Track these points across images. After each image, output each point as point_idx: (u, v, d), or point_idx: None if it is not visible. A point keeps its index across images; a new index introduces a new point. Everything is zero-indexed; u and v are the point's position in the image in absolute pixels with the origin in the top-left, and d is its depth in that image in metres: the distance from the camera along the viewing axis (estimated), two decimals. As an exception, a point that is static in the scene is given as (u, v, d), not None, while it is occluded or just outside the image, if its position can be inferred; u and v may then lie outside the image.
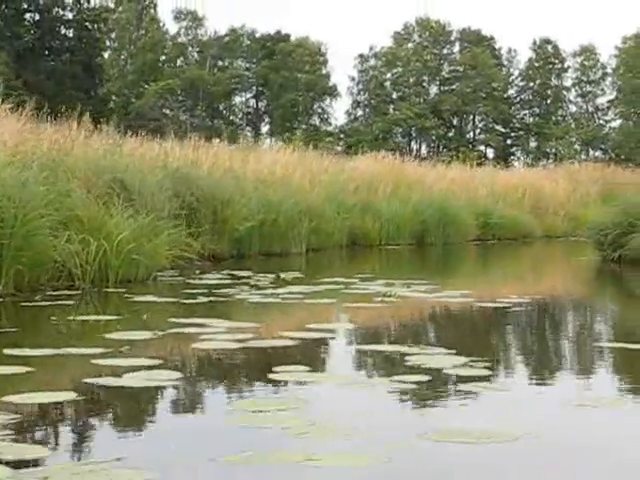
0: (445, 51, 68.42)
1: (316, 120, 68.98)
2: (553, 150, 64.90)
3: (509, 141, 67.20)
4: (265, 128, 70.63)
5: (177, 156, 15.67)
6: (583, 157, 61.46)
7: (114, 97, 63.86)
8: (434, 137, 67.38)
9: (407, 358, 5.20)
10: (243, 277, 10.64)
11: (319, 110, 68.94)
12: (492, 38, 67.47)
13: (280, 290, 8.95)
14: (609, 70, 66.10)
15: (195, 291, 8.83)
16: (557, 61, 66.33)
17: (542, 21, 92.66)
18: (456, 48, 68.44)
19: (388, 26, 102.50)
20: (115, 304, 8.15)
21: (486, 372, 4.76)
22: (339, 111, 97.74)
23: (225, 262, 13.43)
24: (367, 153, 22.10)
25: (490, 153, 66.91)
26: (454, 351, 5.42)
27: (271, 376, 4.62)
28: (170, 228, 10.96)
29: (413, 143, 68.74)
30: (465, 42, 67.20)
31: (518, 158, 66.18)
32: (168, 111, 67.51)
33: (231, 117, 70.07)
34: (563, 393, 4.37)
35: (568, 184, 25.94)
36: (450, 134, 67.61)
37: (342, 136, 67.83)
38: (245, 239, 14.36)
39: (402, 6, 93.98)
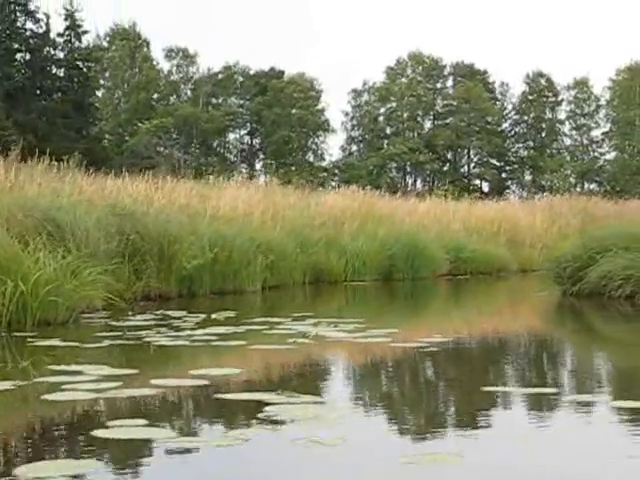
0: (439, 85, 68.42)
1: (310, 156, 68.82)
2: (548, 183, 64.58)
3: (504, 174, 66.97)
4: (259, 165, 70.63)
5: (130, 193, 15.37)
6: (578, 190, 61.21)
7: (108, 136, 63.94)
8: (429, 171, 67.15)
9: (266, 408, 4.78)
10: (174, 318, 10.22)
11: (313, 146, 68.80)
12: (485, 72, 67.53)
13: (198, 332, 8.54)
14: (603, 102, 66.02)
15: (108, 334, 8.42)
16: (551, 94, 66.28)
17: (535, 55, 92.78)
18: (449, 82, 68.51)
19: (382, 61, 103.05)
20: (10, 350, 7.74)
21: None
22: (334, 147, 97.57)
23: (172, 301, 13.04)
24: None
25: (485, 187, 66.69)
26: (322, 399, 5.00)
27: (96, 432, 4.21)
28: (99, 267, 10.57)
29: (408, 178, 68.55)
30: (458, 76, 67.19)
31: (513, 191, 65.93)
32: (162, 149, 67.64)
33: (226, 154, 69.98)
34: (399, 448, 3.94)
35: (547, 216, 25.55)
36: (445, 168, 67.39)
37: (337, 172, 67.64)
38: (196, 277, 13.96)
39: (395, 41, 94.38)
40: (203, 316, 10.30)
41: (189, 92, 67.86)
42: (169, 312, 10.85)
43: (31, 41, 49.57)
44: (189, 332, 8.51)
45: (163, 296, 13.21)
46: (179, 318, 10.16)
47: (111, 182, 15.90)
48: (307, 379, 6.10)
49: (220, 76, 67.38)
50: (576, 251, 13.94)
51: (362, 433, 4.34)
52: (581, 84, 65.63)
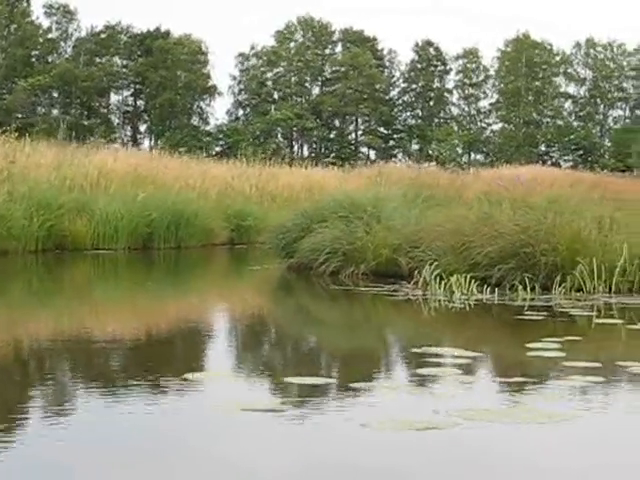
0: (327, 51, 66.78)
1: (196, 120, 66.65)
2: (435, 152, 63.55)
3: (391, 142, 65.76)
4: (143, 127, 68.19)
5: None
6: (464, 160, 60.45)
7: (-16, 93, 61.21)
8: (315, 139, 65.68)
9: None
10: None
11: (199, 110, 66.65)
12: (374, 39, 66.03)
13: None
14: (492, 73, 65.18)
15: None
16: (439, 63, 65.18)
17: (424, 24, 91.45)
18: (338, 48, 66.95)
19: (270, 25, 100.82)
20: None
21: None
22: (220, 111, 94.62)
23: None
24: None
25: (372, 155, 65.46)
26: None
27: None
28: None
29: (294, 144, 66.96)
30: (347, 42, 65.61)
31: (399, 160, 64.81)
32: (40, 108, 64.92)
33: (109, 115, 67.46)
34: None
35: (366, 184, 24.07)
36: (332, 135, 65.94)
37: (221, 136, 65.63)
38: None
39: (285, 5, 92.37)
40: None
41: (69, 50, 65.12)
42: None
43: None
44: None
45: None
46: None
47: None
48: None
49: (102, 35, 64.73)
50: (297, 220, 12.48)
51: None
52: (470, 54, 64.60)
